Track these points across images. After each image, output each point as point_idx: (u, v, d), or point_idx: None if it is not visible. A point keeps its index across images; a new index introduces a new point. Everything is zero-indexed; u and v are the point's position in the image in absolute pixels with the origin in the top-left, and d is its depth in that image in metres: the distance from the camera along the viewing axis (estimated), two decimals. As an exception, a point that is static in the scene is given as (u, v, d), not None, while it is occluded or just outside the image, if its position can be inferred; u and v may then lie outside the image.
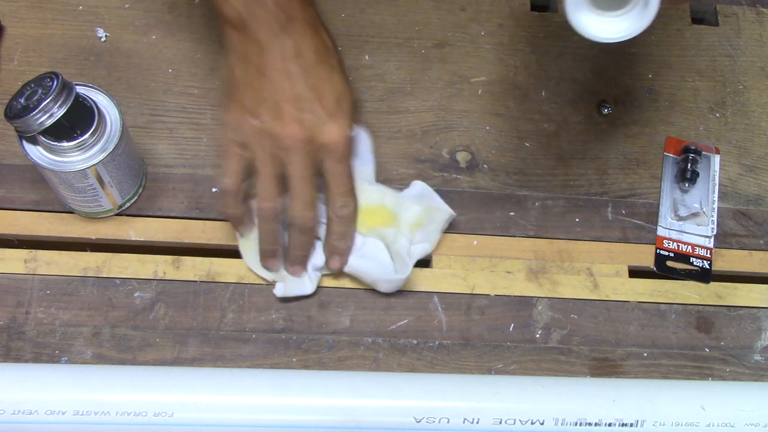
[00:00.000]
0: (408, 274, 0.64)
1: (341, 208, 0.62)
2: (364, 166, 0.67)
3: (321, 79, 0.59)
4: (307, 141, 0.59)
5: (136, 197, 0.67)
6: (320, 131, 0.59)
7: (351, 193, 0.63)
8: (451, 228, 0.70)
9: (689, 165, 0.73)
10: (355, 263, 0.65)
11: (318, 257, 0.65)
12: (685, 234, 0.72)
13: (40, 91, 0.56)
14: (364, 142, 0.67)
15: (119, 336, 0.63)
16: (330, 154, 0.60)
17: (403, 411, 0.59)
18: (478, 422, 0.59)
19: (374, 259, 0.65)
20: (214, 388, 0.58)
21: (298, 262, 0.64)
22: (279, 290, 0.65)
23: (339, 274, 0.66)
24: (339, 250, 0.64)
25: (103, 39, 0.73)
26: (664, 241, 0.72)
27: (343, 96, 0.60)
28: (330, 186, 0.62)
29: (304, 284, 0.65)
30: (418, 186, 0.68)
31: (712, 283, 0.71)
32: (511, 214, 0.71)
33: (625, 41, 0.53)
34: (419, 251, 0.66)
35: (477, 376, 0.64)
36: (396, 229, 0.65)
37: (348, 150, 0.61)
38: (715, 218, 0.73)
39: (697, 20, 0.82)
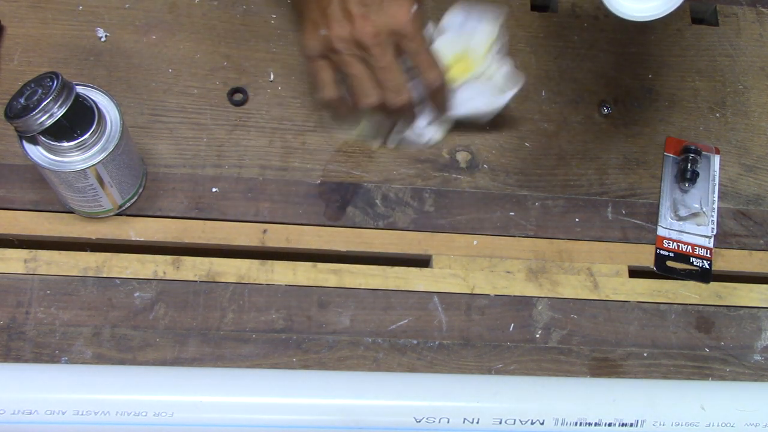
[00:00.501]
0: (515, 90, 0.69)
1: (433, 81, 0.66)
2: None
3: None
4: (378, 32, 0.63)
5: (136, 197, 0.67)
6: (387, 19, 0.63)
7: (436, 64, 0.66)
8: (451, 228, 0.70)
9: (689, 165, 0.73)
10: (461, 110, 0.70)
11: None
12: (685, 234, 0.72)
13: (40, 91, 0.56)
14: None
15: (119, 336, 0.63)
16: (404, 37, 0.64)
17: (403, 411, 0.59)
18: (478, 422, 0.59)
19: (477, 97, 0.70)
20: (214, 388, 0.58)
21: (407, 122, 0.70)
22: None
23: (339, 275, 0.67)
24: (443, 115, 0.70)
25: (103, 39, 0.73)
26: (664, 241, 0.72)
27: None
28: (416, 64, 0.66)
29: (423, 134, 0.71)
30: (457, 11, 0.71)
31: (712, 283, 0.71)
32: (511, 214, 0.71)
33: (655, 19, 0.55)
34: (505, 69, 0.70)
35: (477, 376, 0.64)
36: (480, 66, 0.69)
37: (417, 26, 0.64)
38: (715, 218, 0.73)
39: (697, 20, 0.82)
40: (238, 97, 0.72)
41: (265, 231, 0.68)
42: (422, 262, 0.69)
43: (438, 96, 0.68)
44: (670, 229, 0.73)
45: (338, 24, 0.63)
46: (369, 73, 0.65)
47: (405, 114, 0.68)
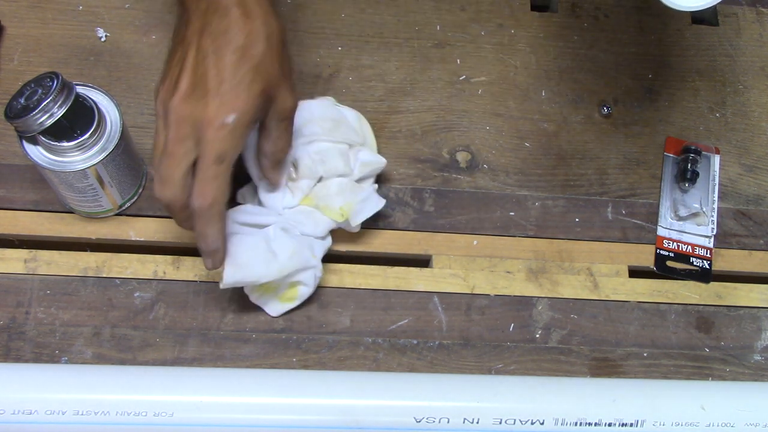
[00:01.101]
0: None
1: (194, 199, 0.57)
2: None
3: (226, 62, 0.56)
4: (184, 116, 0.56)
5: (136, 197, 0.67)
6: (198, 109, 0.55)
7: (209, 182, 0.56)
8: (451, 228, 0.70)
9: (689, 165, 0.73)
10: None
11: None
12: (685, 234, 0.72)
13: (40, 91, 0.56)
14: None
15: (119, 336, 0.63)
16: (200, 136, 0.56)
17: (403, 411, 0.59)
18: (478, 422, 0.59)
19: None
20: (214, 388, 0.58)
21: (201, 252, 0.60)
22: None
23: (339, 275, 0.67)
24: (201, 249, 0.60)
25: (103, 39, 0.73)
26: (664, 241, 0.72)
27: (244, 84, 0.56)
28: (195, 172, 0.57)
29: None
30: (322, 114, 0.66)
31: (712, 283, 0.71)
32: (511, 214, 0.71)
33: (695, 10, 0.54)
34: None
35: (477, 376, 0.64)
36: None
37: (218, 135, 0.55)
38: (715, 218, 0.73)
39: (697, 20, 0.82)
40: (238, 97, 0.72)
41: (265, 231, 0.68)
42: (422, 262, 0.69)
43: (196, 222, 0.57)
44: (670, 229, 0.73)
45: (167, 88, 0.56)
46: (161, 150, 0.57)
47: (177, 220, 0.59)
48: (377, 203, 0.66)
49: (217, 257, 0.59)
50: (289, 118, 0.60)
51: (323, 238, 0.65)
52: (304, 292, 0.64)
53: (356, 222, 0.65)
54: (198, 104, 0.55)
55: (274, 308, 0.65)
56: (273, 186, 0.64)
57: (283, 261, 0.61)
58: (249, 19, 0.56)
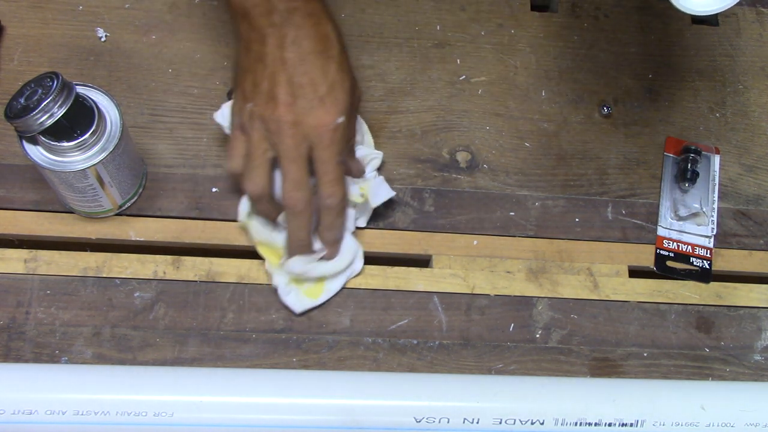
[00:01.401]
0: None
1: (327, 198, 0.62)
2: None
3: (315, 68, 0.60)
4: (295, 124, 0.60)
5: (136, 197, 0.67)
6: (308, 116, 0.60)
7: (338, 181, 0.63)
8: (451, 228, 0.70)
9: (689, 165, 0.73)
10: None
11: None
12: (685, 234, 0.72)
13: (40, 91, 0.56)
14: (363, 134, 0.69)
15: (119, 336, 0.63)
16: (317, 140, 0.61)
17: (403, 411, 0.59)
18: (478, 422, 0.59)
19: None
20: (214, 388, 0.58)
21: (295, 247, 0.64)
22: (293, 304, 0.65)
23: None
24: (327, 240, 0.65)
25: (103, 39, 0.73)
26: (664, 241, 0.72)
27: (337, 85, 0.61)
28: (317, 174, 0.62)
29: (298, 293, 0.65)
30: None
31: (712, 283, 0.71)
32: (511, 214, 0.71)
33: (708, 14, 0.56)
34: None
35: (477, 376, 0.64)
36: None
37: (335, 137, 0.61)
38: (715, 218, 0.73)
39: (697, 20, 0.82)
40: (238, 97, 0.72)
41: (265, 231, 0.68)
42: (422, 262, 0.69)
43: (326, 217, 0.63)
44: (670, 229, 0.73)
45: (262, 103, 0.60)
46: (272, 161, 0.62)
47: (294, 220, 0.63)
48: (389, 190, 0.67)
49: (338, 246, 0.65)
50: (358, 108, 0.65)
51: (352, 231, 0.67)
52: (330, 288, 0.66)
53: (375, 203, 0.67)
54: (305, 112, 0.60)
55: (298, 303, 0.65)
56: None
57: (345, 256, 0.65)
58: (320, 26, 0.61)
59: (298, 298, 0.65)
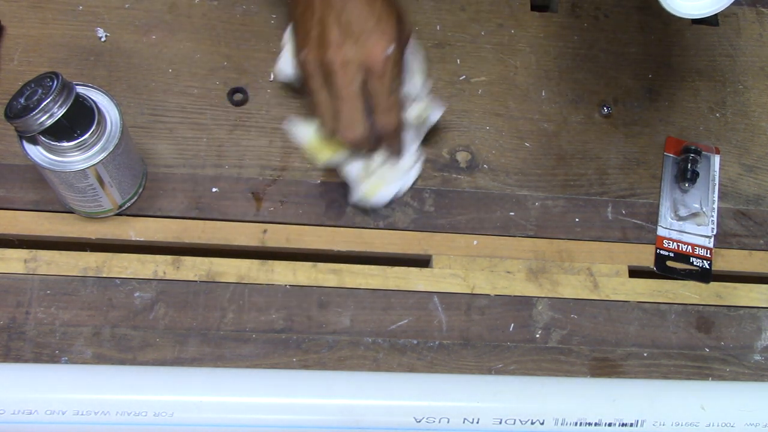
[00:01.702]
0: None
1: (383, 126, 0.65)
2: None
3: (361, 4, 0.62)
4: (347, 63, 0.62)
5: (136, 197, 0.67)
6: (358, 51, 0.62)
7: (392, 109, 0.65)
8: (451, 228, 0.70)
9: (689, 165, 0.73)
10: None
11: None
12: (685, 234, 0.72)
13: (40, 91, 0.56)
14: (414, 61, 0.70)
15: (119, 336, 0.63)
16: (372, 74, 0.63)
17: (403, 411, 0.59)
18: (478, 422, 0.59)
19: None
20: (214, 388, 0.58)
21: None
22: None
23: (339, 275, 0.67)
24: (392, 155, 0.68)
25: (103, 39, 0.73)
26: (664, 241, 0.72)
27: (384, 17, 0.63)
28: (374, 105, 0.64)
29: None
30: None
31: (712, 283, 0.71)
32: (511, 214, 0.71)
33: (705, 17, 0.56)
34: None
35: (477, 376, 0.64)
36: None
37: (388, 67, 0.63)
38: (715, 218, 0.73)
39: (697, 20, 0.82)
40: (238, 97, 0.72)
41: (265, 231, 0.68)
42: (422, 262, 0.69)
43: (389, 142, 0.67)
44: (670, 229, 0.73)
45: (313, 48, 0.63)
46: (330, 102, 0.64)
47: (358, 153, 0.67)
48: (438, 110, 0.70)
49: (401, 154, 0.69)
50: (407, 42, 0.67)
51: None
52: (384, 193, 0.69)
53: (432, 121, 0.70)
54: (356, 48, 0.62)
55: (357, 191, 0.68)
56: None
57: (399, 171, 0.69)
58: None
59: (360, 189, 0.68)
